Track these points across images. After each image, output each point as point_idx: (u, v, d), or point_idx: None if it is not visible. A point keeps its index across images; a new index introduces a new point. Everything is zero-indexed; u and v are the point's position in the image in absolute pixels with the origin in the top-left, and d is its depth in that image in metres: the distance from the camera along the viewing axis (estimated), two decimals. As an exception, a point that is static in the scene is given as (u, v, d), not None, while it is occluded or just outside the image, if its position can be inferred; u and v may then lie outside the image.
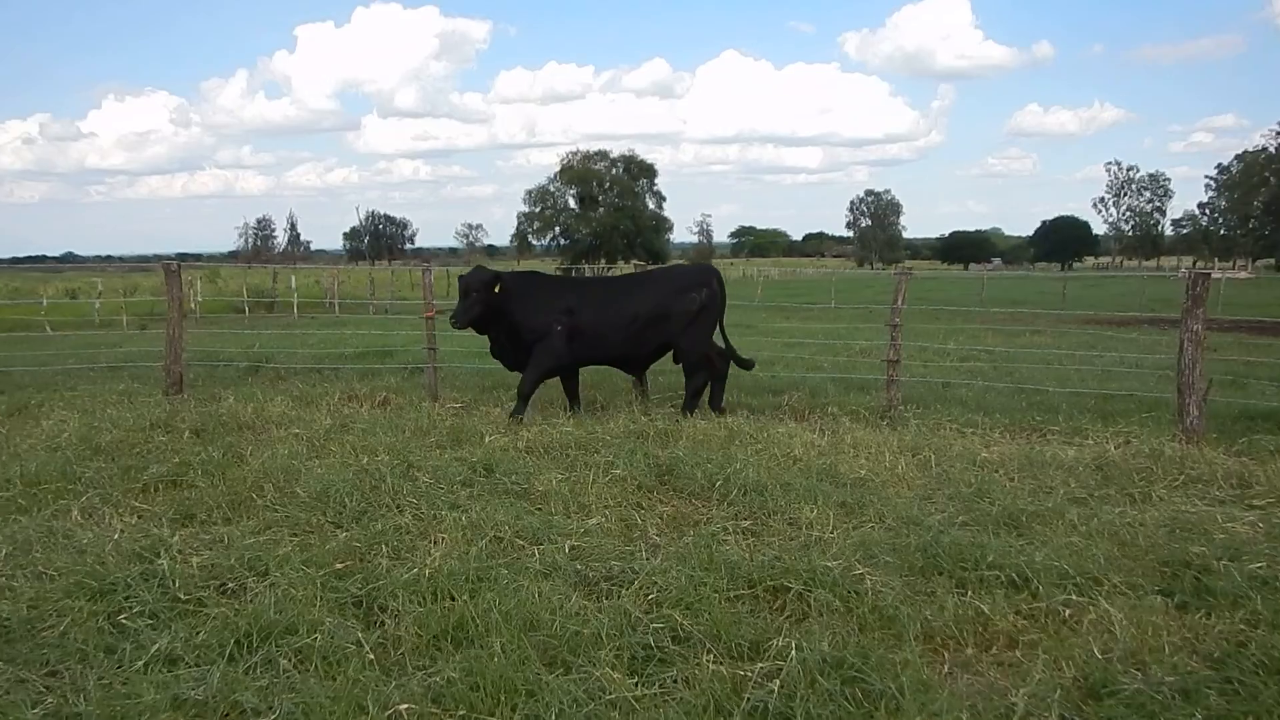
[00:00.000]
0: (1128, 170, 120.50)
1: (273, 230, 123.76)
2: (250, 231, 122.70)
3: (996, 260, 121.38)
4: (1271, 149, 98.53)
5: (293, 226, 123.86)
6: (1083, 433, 8.79)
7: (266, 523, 5.81)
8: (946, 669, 4.05)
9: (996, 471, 7.39)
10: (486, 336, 10.01)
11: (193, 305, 30.98)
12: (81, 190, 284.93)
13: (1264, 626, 4.23)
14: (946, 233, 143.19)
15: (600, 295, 10.09)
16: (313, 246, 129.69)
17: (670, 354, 10.09)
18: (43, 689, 3.65)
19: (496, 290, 9.46)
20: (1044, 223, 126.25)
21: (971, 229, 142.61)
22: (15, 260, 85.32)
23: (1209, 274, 9.06)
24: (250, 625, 4.08)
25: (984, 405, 10.29)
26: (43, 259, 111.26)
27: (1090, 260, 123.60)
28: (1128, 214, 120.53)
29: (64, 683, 3.72)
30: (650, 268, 11.89)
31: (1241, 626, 4.27)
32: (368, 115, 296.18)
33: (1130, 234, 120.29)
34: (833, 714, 3.42)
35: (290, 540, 5.41)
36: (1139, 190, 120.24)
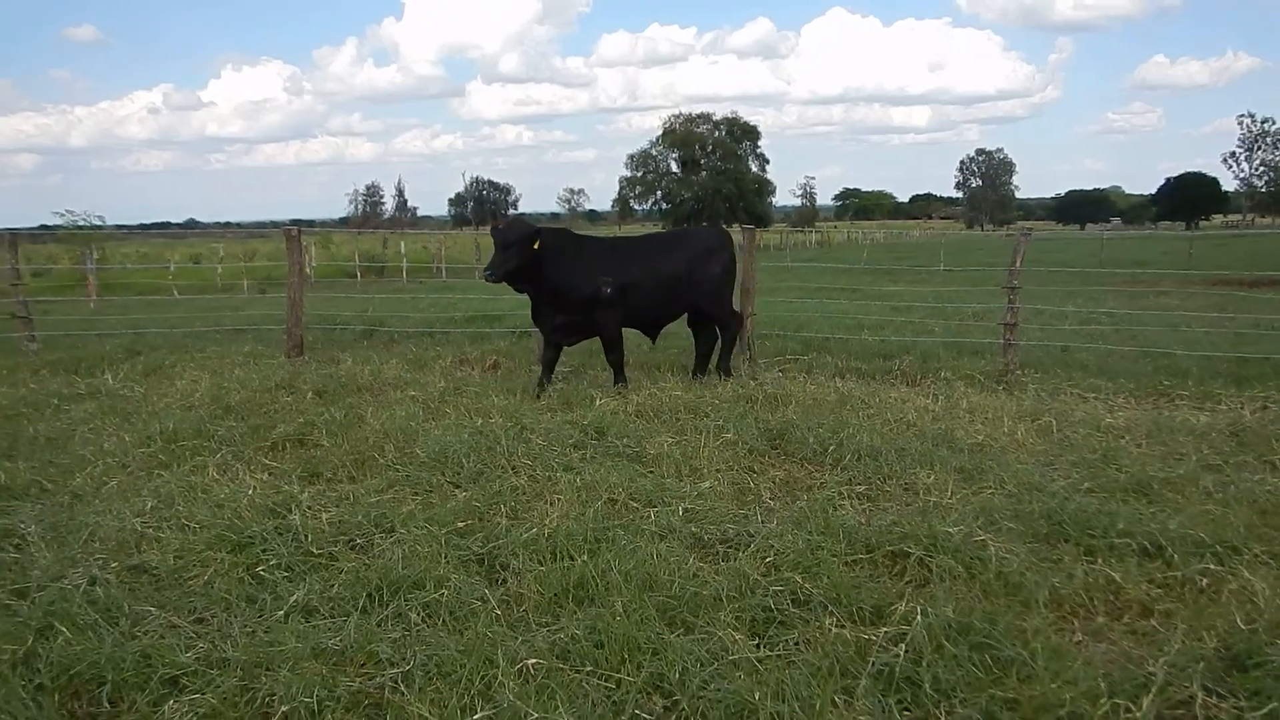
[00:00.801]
0: (1262, 122, 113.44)
1: (381, 196, 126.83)
2: (360, 198, 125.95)
3: (1116, 220, 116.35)
4: None
5: (400, 193, 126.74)
6: (1215, 397, 8.42)
7: (389, 481, 5.98)
8: (1077, 637, 3.94)
9: (1123, 437, 7.13)
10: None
11: (308, 270, 31.98)
12: (202, 158, 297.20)
13: None
14: (1062, 192, 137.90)
15: (639, 256, 9.72)
16: (419, 212, 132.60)
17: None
18: (192, 634, 3.85)
19: (535, 247, 8.85)
20: (1168, 180, 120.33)
21: (1089, 188, 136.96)
22: (143, 226, 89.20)
23: (1359, 229, 8.49)
24: (380, 580, 4.21)
25: (1106, 369, 9.93)
26: (167, 225, 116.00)
27: (1219, 218, 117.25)
28: (1261, 169, 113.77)
29: (211, 629, 3.91)
30: (662, 231, 11.29)
31: (1398, 601, 4.04)
32: (472, 81, 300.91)
33: (1264, 190, 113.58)
34: (962, 679, 3.36)
35: (412, 499, 5.56)
36: (1275, 144, 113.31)
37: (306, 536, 4.84)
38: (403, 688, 3.32)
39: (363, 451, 6.65)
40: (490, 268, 8.80)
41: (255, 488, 5.74)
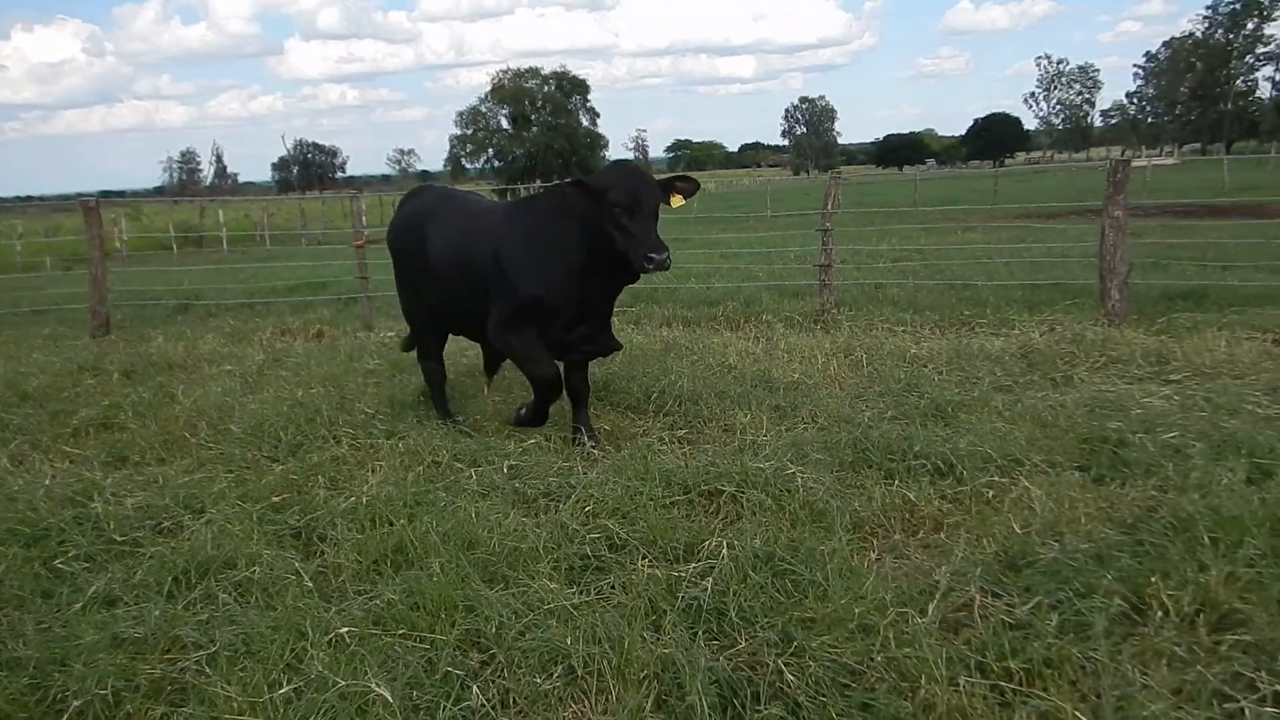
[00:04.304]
0: (1058, 63, 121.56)
1: (198, 163, 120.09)
2: (174, 165, 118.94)
3: (931, 161, 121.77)
4: (1199, 34, 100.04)
5: (219, 159, 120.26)
6: (1010, 323, 9.01)
7: (201, 461, 5.76)
8: (875, 555, 4.19)
9: (926, 366, 7.56)
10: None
11: (118, 244, 30.09)
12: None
13: (1173, 491, 4.43)
14: (881, 136, 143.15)
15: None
16: (240, 179, 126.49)
17: None
18: (-21, 637, 3.62)
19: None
20: (976, 121, 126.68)
21: (905, 131, 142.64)
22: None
23: (1128, 161, 9.26)
24: (188, 562, 4.06)
25: (915, 303, 10.46)
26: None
27: (1022, 156, 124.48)
28: (1058, 108, 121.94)
29: (1, 629, 3.69)
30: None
31: (1153, 493, 4.47)
32: (290, 38, 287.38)
33: (1061, 127, 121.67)
34: (764, 605, 3.53)
35: (226, 477, 5.36)
36: (1069, 83, 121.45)
37: (109, 524, 4.60)
38: (208, 669, 3.23)
39: (173, 432, 6.37)
40: (665, 246, 5.36)
41: (53, 477, 5.43)
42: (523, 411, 6.22)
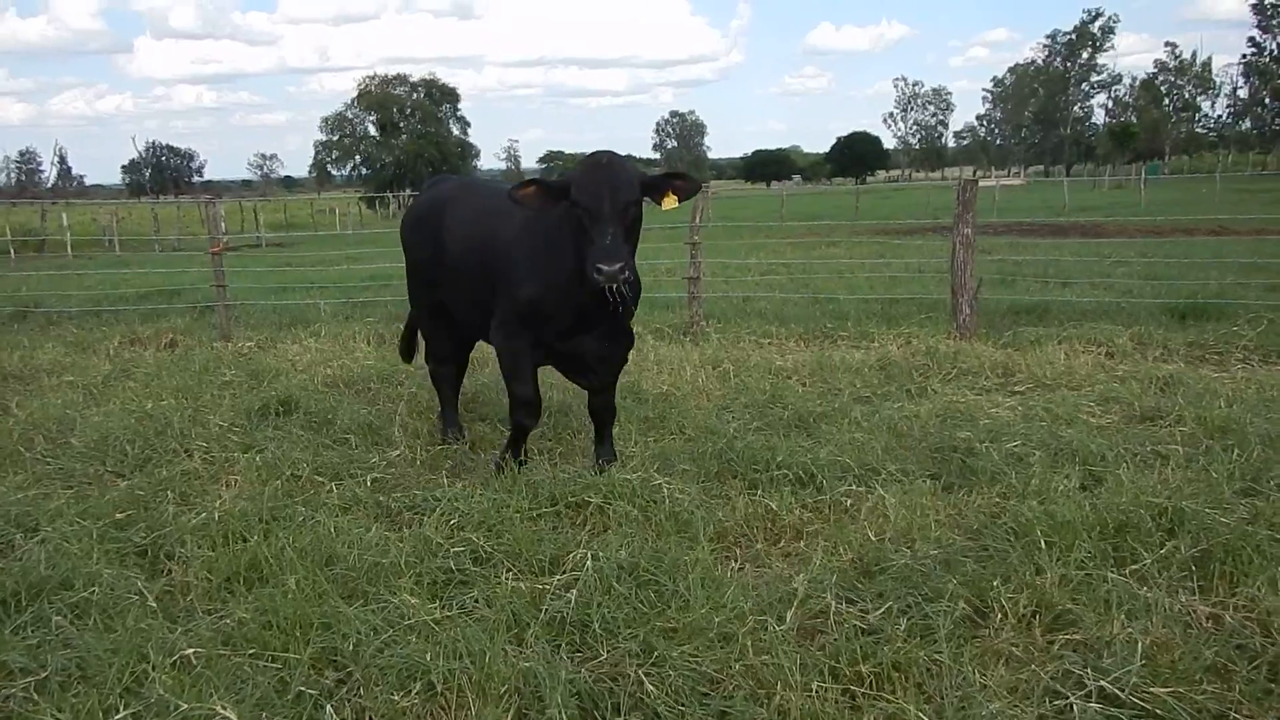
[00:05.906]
0: (913, 85, 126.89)
1: (39, 163, 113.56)
2: (12, 165, 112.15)
3: (796, 177, 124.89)
4: (1040, 61, 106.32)
5: (62, 159, 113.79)
6: (869, 336, 9.32)
7: (36, 476, 5.45)
8: (738, 564, 4.27)
9: (790, 378, 7.74)
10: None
11: (-53, 249, 28.11)
12: None
13: (1015, 498, 4.66)
14: (749, 152, 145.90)
15: None
16: (87, 180, 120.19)
17: None
18: None
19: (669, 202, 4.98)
20: (839, 139, 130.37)
21: (773, 147, 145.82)
22: None
23: (976, 181, 9.75)
24: (17, 584, 3.82)
25: (781, 316, 10.71)
26: None
27: (882, 174, 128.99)
28: (915, 128, 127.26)
29: None
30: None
31: (997, 499, 4.70)
32: (139, 37, 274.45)
33: (917, 147, 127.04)
34: (627, 616, 3.54)
35: (64, 493, 5.09)
36: (924, 104, 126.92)
37: (-74, 546, 4.30)
38: (36, 696, 3.04)
39: (5, 446, 6.02)
40: (619, 256, 4.44)
41: None
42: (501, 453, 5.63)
